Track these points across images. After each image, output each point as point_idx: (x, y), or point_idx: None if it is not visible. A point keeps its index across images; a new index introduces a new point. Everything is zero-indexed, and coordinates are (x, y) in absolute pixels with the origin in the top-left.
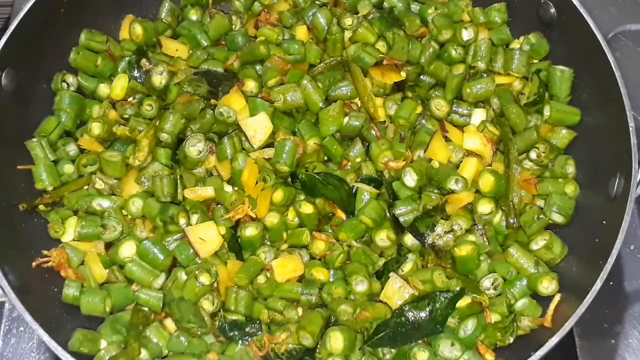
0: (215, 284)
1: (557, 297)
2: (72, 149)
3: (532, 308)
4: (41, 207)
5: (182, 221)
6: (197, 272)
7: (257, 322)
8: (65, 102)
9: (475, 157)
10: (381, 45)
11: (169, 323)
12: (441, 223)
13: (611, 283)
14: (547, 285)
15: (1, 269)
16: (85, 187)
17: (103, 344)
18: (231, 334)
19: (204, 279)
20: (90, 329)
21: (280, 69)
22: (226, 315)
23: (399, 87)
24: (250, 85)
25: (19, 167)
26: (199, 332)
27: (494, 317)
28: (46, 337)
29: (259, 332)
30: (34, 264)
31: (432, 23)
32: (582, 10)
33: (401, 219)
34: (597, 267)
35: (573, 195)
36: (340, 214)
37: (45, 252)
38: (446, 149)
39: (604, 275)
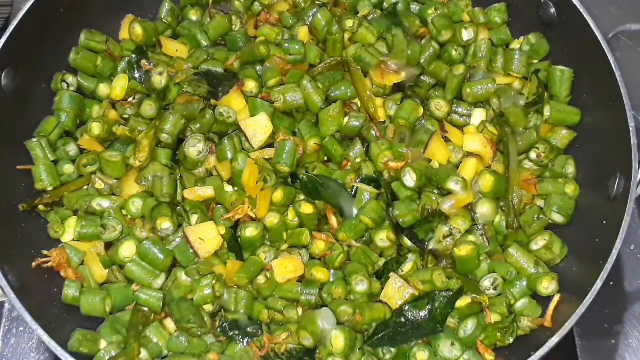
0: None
1: (557, 297)
2: (72, 149)
3: (532, 308)
4: (41, 207)
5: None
6: (203, 282)
7: (258, 322)
8: (65, 102)
9: (475, 158)
10: (381, 46)
11: (169, 323)
12: (439, 229)
13: (611, 283)
14: (547, 286)
15: (1, 269)
16: (85, 187)
17: (103, 344)
18: (231, 333)
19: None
20: (90, 329)
21: (280, 70)
22: (227, 315)
23: (399, 87)
24: (251, 86)
25: (18, 167)
26: (199, 332)
27: (493, 317)
28: (46, 337)
29: (259, 332)
30: (34, 264)
31: (431, 24)
32: (582, 10)
33: (400, 220)
34: (597, 267)
35: (573, 195)
36: (333, 223)
37: (45, 252)
38: (446, 150)
39: (604, 275)
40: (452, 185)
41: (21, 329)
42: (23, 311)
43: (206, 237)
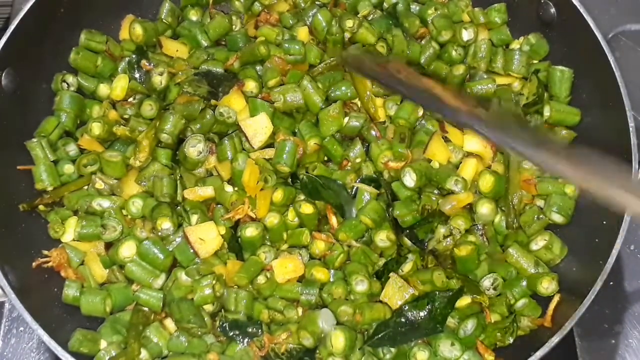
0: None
1: (557, 297)
2: (72, 149)
3: (531, 308)
4: (41, 207)
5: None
6: (203, 282)
7: (258, 322)
8: (65, 102)
9: (475, 158)
10: (381, 46)
11: (169, 323)
12: (439, 229)
13: (611, 283)
14: (547, 286)
15: (1, 269)
16: (85, 187)
17: (103, 344)
18: (231, 333)
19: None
20: (90, 329)
21: (280, 70)
22: (227, 315)
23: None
24: (251, 86)
25: (19, 167)
26: (199, 332)
27: (493, 317)
28: (46, 337)
29: (260, 332)
30: (34, 264)
31: (431, 24)
32: (582, 10)
33: (400, 220)
34: (597, 267)
35: (573, 195)
36: (333, 223)
37: (45, 252)
38: (446, 150)
39: (604, 275)
40: (452, 185)
41: (21, 329)
42: (23, 311)
43: (206, 237)
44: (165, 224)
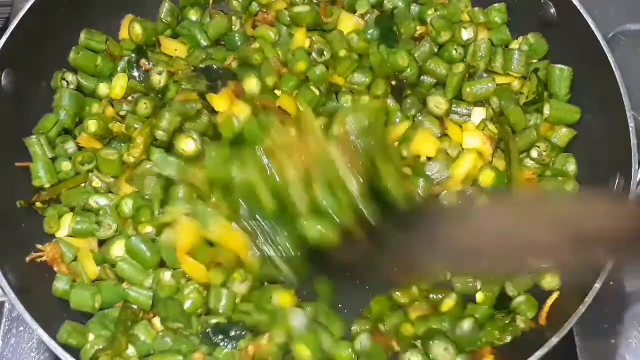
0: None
1: (555, 295)
2: (70, 146)
3: (530, 306)
4: (38, 204)
5: None
6: (186, 290)
7: (241, 325)
8: (64, 101)
9: (473, 153)
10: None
11: (157, 322)
12: None
13: (611, 283)
14: (551, 280)
15: (1, 269)
16: (83, 184)
17: (91, 337)
18: (215, 339)
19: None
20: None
21: (277, 72)
22: (210, 318)
23: (399, 87)
24: (252, 84)
25: (17, 163)
26: (185, 333)
27: (479, 298)
28: (46, 337)
29: (243, 334)
30: (28, 258)
31: (430, 25)
32: (582, 10)
33: None
34: (597, 267)
35: (574, 192)
36: None
37: (39, 246)
38: (432, 141)
39: (604, 275)
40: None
41: (21, 329)
42: (23, 311)
43: None
44: (147, 229)
